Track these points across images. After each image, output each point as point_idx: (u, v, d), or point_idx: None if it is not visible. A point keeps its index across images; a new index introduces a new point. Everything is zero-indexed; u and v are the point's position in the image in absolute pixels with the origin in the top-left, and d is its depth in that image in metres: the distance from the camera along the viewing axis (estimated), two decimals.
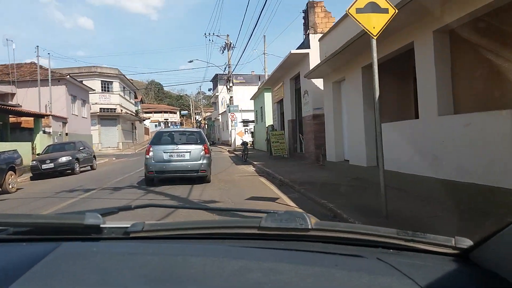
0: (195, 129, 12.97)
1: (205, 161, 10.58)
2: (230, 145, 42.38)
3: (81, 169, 17.46)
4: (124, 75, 43.13)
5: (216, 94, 50.83)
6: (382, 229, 0.99)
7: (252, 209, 1.36)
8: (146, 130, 67.79)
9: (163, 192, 9.16)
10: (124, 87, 45.62)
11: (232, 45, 30.26)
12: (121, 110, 42.42)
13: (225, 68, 30.55)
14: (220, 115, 49.79)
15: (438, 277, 0.79)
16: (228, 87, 30.67)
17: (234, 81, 51.84)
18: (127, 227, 1.03)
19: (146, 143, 50.68)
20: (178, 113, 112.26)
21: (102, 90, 41.23)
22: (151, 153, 10.63)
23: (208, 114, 69.14)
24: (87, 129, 29.22)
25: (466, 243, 0.92)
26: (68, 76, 23.33)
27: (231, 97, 30.79)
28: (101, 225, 1.01)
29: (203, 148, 10.78)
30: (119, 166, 21.13)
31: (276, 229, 0.97)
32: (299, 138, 17.54)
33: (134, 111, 61.48)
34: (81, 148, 17.74)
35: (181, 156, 10.53)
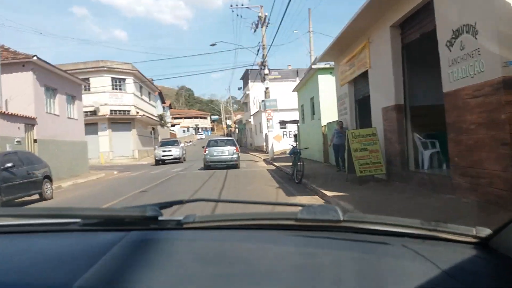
0: (229, 138, 23.47)
1: (235, 156, 18.14)
2: (265, 151, 33.66)
3: (18, 199, 9.44)
4: (139, 71, 35.27)
5: (247, 92, 42.19)
6: (407, 220, 1.01)
7: (290, 203, 1.45)
8: (174, 136, 59.98)
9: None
10: (141, 87, 37.85)
11: (267, 20, 21.58)
12: (137, 112, 34.58)
13: (258, 51, 21.93)
14: (252, 117, 41.11)
15: (458, 262, 0.82)
16: (263, 75, 21.95)
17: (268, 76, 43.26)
18: (180, 219, 1.08)
19: None
20: (208, 118, 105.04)
21: (113, 89, 33.59)
22: (207, 151, 18.12)
23: (239, 117, 60.59)
24: (77, 134, 21.24)
25: (486, 232, 0.93)
26: (34, 58, 15.43)
27: (266, 88, 22.03)
28: (159, 218, 1.06)
29: (235, 149, 18.41)
30: (107, 189, 12.80)
31: (311, 221, 1.00)
32: (417, 141, 8.52)
33: (157, 115, 54.02)
34: (8, 165, 9.49)
35: (223, 153, 17.98)
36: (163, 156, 24.50)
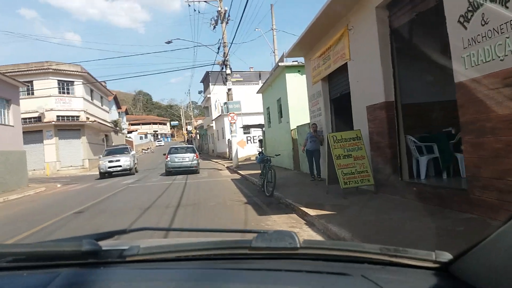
0: (189, 145, 22.94)
1: (195, 162, 19.01)
2: (229, 158, 31.83)
3: None
4: (90, 74, 32.40)
5: (208, 95, 40.24)
6: (367, 246, 1.00)
7: (244, 230, 1.11)
8: (130, 144, 56.62)
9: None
10: (92, 90, 34.91)
11: (227, 15, 19.89)
12: (87, 118, 31.70)
13: (218, 49, 20.15)
14: (213, 122, 39.19)
15: None
16: (225, 75, 20.21)
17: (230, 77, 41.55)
18: (123, 250, 1.02)
19: None
20: (168, 124, 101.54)
21: (60, 92, 30.54)
22: (168, 158, 19.07)
23: (200, 122, 58.38)
24: (13, 143, 18.47)
25: (446, 256, 0.92)
26: None
27: (229, 89, 20.31)
28: (97, 249, 0.99)
29: (195, 155, 19.23)
30: (40, 208, 10.46)
31: (266, 249, 0.97)
32: (411, 145, 7.09)
33: (111, 121, 50.78)
34: None
35: (183, 159, 18.80)
36: (109, 167, 19.88)
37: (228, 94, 20.43)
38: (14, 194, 15.03)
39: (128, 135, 71.89)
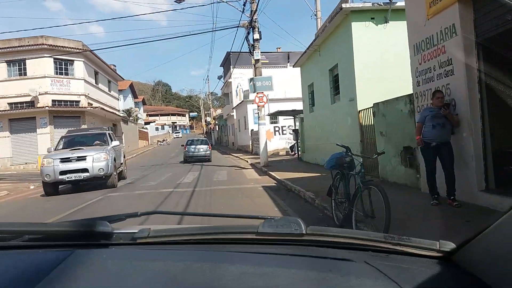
0: (203, 138, 24.54)
1: (209, 152, 21.03)
2: (252, 152, 26.54)
3: None
4: (93, 52, 27.50)
5: (229, 80, 34.88)
6: (372, 234, 1.00)
7: (251, 216, 1.25)
8: (144, 135, 51.98)
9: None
10: (96, 72, 30.11)
11: None
12: (89, 104, 26.93)
13: (244, 5, 14.70)
14: (234, 110, 33.88)
15: (421, 280, 0.80)
16: (252, 42, 14.78)
17: (253, 61, 36.13)
18: (134, 233, 1.02)
19: (141, 151, 34.07)
20: (187, 115, 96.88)
21: (56, 73, 25.80)
22: (186, 149, 21.08)
23: (219, 112, 53.15)
24: None
25: (449, 246, 0.90)
26: None
27: (256, 61, 14.88)
28: (110, 231, 1.01)
29: (208, 147, 21.28)
30: None
31: (273, 234, 0.96)
32: None
33: (125, 110, 46.18)
34: None
35: (199, 150, 20.82)
36: (62, 173, 10.29)
37: (255, 68, 15.02)
38: None
39: (146, 126, 67.59)
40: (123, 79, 37.00)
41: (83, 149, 10.97)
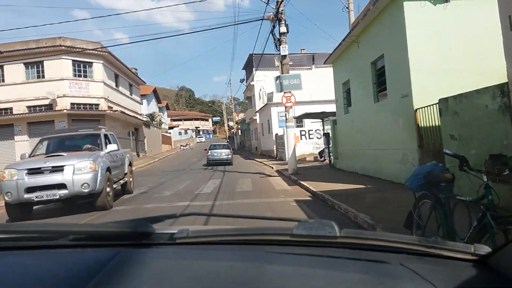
0: (225, 143, 25.01)
1: (230, 156, 21.66)
2: (276, 158, 24.91)
3: None
4: (112, 54, 26.66)
5: (251, 83, 33.42)
6: (406, 237, 0.98)
7: (285, 218, 1.24)
8: (167, 139, 51.19)
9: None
10: (117, 76, 29.29)
11: None
12: (109, 107, 26.03)
13: (267, 1, 13.15)
14: (257, 114, 32.37)
15: (457, 282, 0.79)
16: (278, 36, 13.19)
17: (276, 63, 34.51)
18: (173, 233, 1.04)
19: (164, 155, 33.16)
20: (210, 120, 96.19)
21: (75, 75, 25.01)
22: (209, 153, 21.84)
23: (242, 116, 51.80)
24: None
25: (485, 249, 0.90)
26: None
27: (283, 57, 13.29)
28: (151, 231, 1.04)
29: (229, 151, 21.91)
30: None
31: (307, 236, 0.96)
32: None
33: (148, 114, 45.49)
34: None
35: (221, 154, 21.53)
36: (29, 190, 7.27)
37: (282, 65, 13.43)
38: None
39: (169, 130, 67.06)
40: (145, 83, 36.15)
41: (63, 155, 7.86)
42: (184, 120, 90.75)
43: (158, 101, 63.44)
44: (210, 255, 0.97)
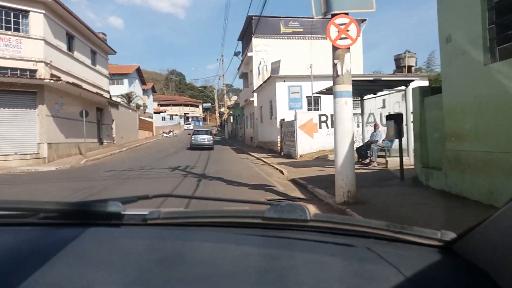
0: (207, 129, 26.74)
1: (211, 142, 22.91)
2: (280, 153, 17.61)
3: None
4: (61, 4, 18.96)
5: (249, 54, 25.86)
6: (374, 222, 0.99)
7: (258, 201, 1.26)
8: (148, 125, 43.25)
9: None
10: (72, 36, 21.61)
11: None
12: (52, 76, 18.41)
13: None
14: (255, 94, 24.99)
15: (421, 267, 0.80)
16: None
17: (283, 29, 26.96)
18: (145, 214, 1.03)
19: (137, 143, 25.21)
20: (200, 106, 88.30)
21: (2, 28, 17.36)
22: (193, 138, 23.27)
23: (235, 99, 44.16)
24: None
25: (450, 235, 0.90)
26: None
27: None
28: (122, 212, 1.01)
29: (211, 137, 23.17)
30: None
31: (278, 220, 0.97)
32: None
33: (123, 94, 37.75)
34: None
35: (204, 139, 22.81)
36: None
37: None
38: None
39: (155, 115, 59.29)
40: (115, 52, 28.37)
41: None
42: (173, 106, 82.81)
43: (143, 82, 55.50)
44: (179, 236, 0.96)
